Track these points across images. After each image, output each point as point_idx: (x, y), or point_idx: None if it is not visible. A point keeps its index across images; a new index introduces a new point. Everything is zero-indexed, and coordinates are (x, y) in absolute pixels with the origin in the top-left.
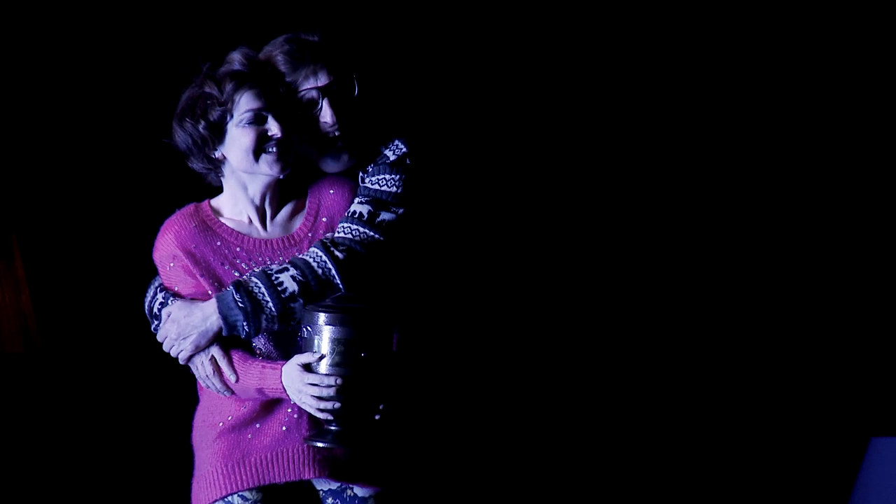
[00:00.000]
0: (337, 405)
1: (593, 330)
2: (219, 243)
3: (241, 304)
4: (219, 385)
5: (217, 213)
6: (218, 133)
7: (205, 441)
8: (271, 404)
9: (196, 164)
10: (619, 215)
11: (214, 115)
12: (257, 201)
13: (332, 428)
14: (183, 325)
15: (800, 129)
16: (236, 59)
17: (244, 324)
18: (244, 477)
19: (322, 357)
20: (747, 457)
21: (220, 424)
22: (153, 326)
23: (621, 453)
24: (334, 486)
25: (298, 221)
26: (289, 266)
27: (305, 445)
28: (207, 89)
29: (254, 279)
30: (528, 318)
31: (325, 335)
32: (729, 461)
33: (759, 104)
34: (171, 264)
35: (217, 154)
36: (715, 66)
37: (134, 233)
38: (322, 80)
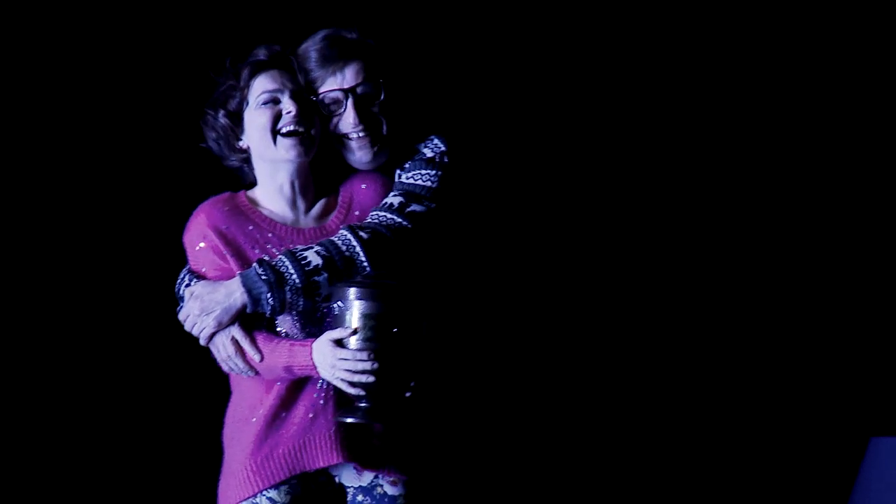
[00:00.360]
0: (369, 379)
1: (601, 324)
2: (251, 227)
3: (264, 277)
4: (241, 365)
5: (252, 202)
6: (237, 121)
7: (235, 437)
8: (297, 392)
9: (230, 162)
10: (643, 214)
11: (233, 103)
12: (287, 192)
13: (363, 404)
14: (206, 301)
15: (799, 128)
16: (259, 52)
17: (268, 296)
18: (273, 470)
19: (354, 332)
20: (747, 457)
21: (253, 420)
22: (179, 309)
23: (620, 453)
24: (364, 482)
25: (331, 216)
26: (314, 244)
27: (333, 432)
28: (228, 82)
29: (279, 256)
30: (553, 319)
31: (356, 310)
32: (729, 461)
33: (773, 107)
34: (201, 244)
35: (242, 144)
36: (735, 69)
37: (144, 233)
38: (348, 82)
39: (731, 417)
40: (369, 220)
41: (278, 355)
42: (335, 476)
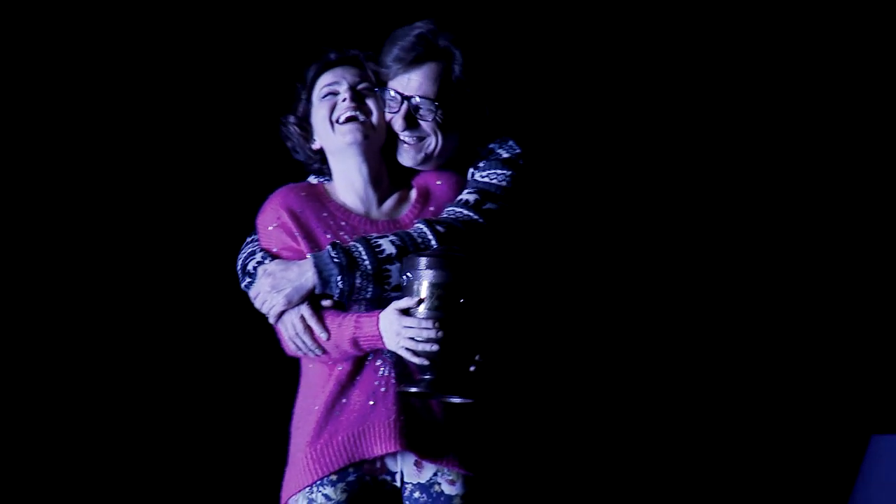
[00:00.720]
0: (433, 348)
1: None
2: (325, 214)
3: (336, 260)
4: (309, 342)
5: (329, 192)
6: (306, 124)
7: (299, 427)
8: (357, 379)
9: (312, 166)
10: (653, 213)
11: (300, 108)
12: (358, 183)
13: (427, 376)
14: (278, 279)
15: (799, 129)
16: (328, 54)
17: (338, 279)
18: (332, 458)
19: (420, 301)
20: (748, 455)
21: (315, 408)
22: (244, 284)
23: (619, 452)
24: (423, 478)
25: (405, 209)
26: (388, 234)
27: (393, 420)
28: (299, 87)
29: (352, 242)
30: (620, 322)
31: (424, 280)
32: (729, 460)
33: (775, 107)
34: (274, 225)
35: (315, 145)
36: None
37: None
38: (410, 89)
39: (732, 416)
40: (444, 215)
41: (345, 328)
42: (394, 473)
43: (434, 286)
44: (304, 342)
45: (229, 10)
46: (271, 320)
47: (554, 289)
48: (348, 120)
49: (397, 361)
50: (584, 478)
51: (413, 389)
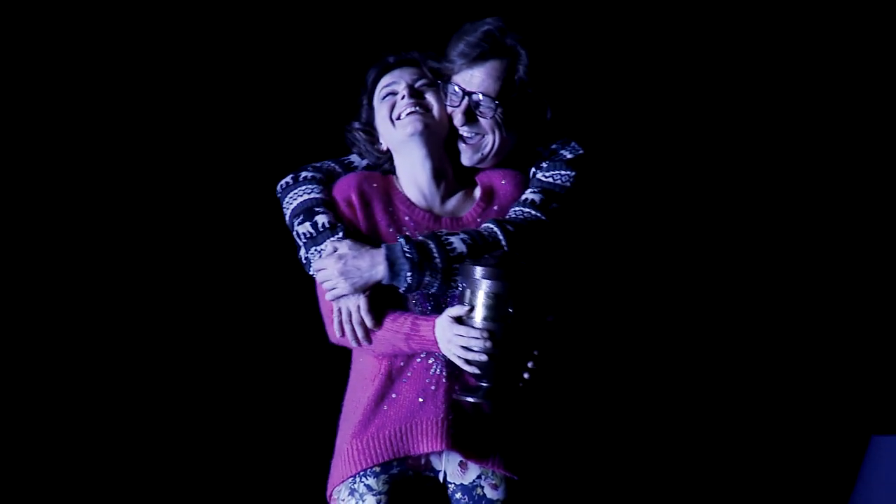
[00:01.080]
0: (482, 358)
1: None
2: (391, 208)
3: (408, 255)
4: (359, 332)
5: (396, 186)
6: (371, 129)
7: (347, 419)
8: (408, 375)
9: (383, 168)
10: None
11: (363, 113)
12: (422, 180)
13: (482, 384)
14: (349, 266)
15: (799, 128)
16: (389, 56)
17: (408, 275)
18: (378, 450)
19: (472, 309)
20: (748, 456)
21: (364, 400)
22: (304, 240)
23: (619, 452)
24: (467, 480)
25: (469, 207)
26: (459, 232)
27: (441, 418)
28: (361, 93)
29: (423, 237)
30: (676, 324)
31: (478, 289)
32: (730, 460)
33: (777, 107)
34: (345, 202)
35: (381, 147)
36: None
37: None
38: (473, 85)
39: (733, 417)
40: (512, 214)
41: (400, 325)
42: (438, 472)
43: (487, 295)
44: (353, 328)
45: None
46: (329, 298)
47: (597, 290)
48: (408, 115)
49: (450, 362)
50: (588, 478)
51: (469, 399)
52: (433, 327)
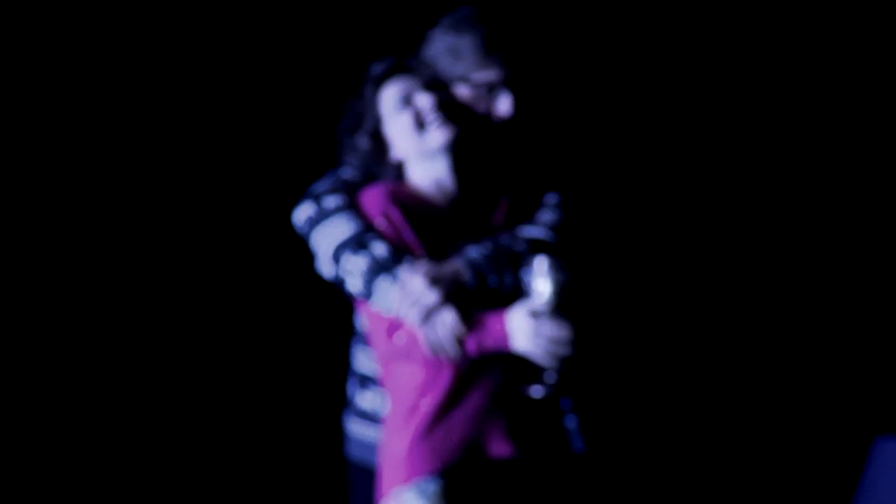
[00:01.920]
0: (566, 351)
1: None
2: (422, 217)
3: (486, 255)
4: (454, 347)
5: (417, 195)
6: (378, 139)
7: (398, 428)
8: (472, 381)
9: (385, 177)
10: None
11: (367, 125)
12: (450, 191)
13: (550, 378)
14: (434, 277)
15: (799, 128)
16: (375, 68)
17: (490, 276)
18: (447, 454)
19: (548, 303)
20: (750, 457)
21: (422, 406)
22: (363, 268)
23: (618, 452)
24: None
25: (494, 215)
26: (509, 235)
27: (509, 423)
28: (353, 106)
29: (487, 240)
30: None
31: (550, 281)
32: (732, 461)
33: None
34: (382, 219)
35: (392, 158)
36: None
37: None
38: (492, 79)
39: (735, 418)
40: (534, 230)
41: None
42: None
43: (565, 289)
44: (448, 346)
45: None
46: (416, 321)
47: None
48: (438, 124)
49: (509, 364)
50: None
51: (539, 394)
52: (503, 323)
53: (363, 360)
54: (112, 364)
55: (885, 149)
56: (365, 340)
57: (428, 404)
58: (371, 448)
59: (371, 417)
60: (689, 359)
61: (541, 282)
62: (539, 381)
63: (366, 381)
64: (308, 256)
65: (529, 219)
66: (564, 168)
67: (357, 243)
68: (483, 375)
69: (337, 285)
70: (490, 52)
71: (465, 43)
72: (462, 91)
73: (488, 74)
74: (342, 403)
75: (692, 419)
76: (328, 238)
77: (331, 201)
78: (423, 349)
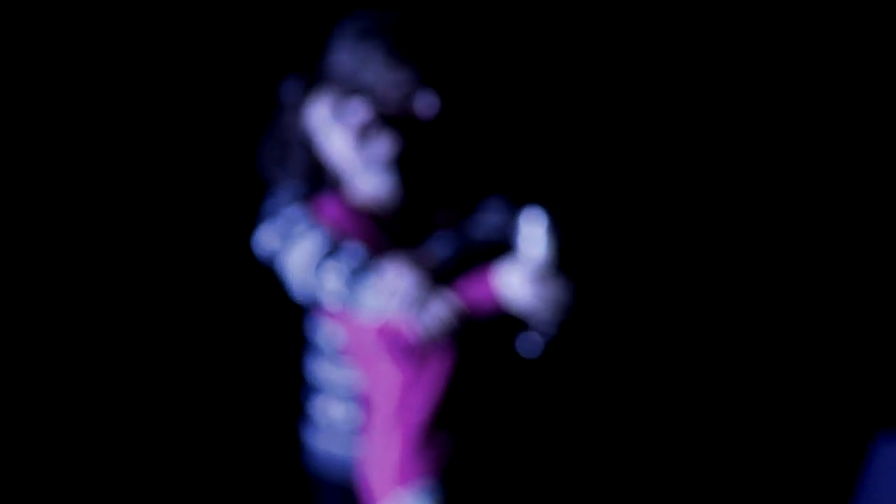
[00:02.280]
0: (562, 307)
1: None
2: (370, 227)
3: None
4: (452, 323)
5: (358, 203)
6: (314, 162)
7: (384, 429)
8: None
9: (318, 189)
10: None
11: (299, 149)
12: (392, 203)
13: (539, 338)
14: (415, 259)
15: (799, 127)
16: (289, 89)
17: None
18: (431, 460)
19: (542, 260)
20: (749, 456)
21: (405, 410)
22: (343, 276)
23: (619, 452)
24: None
25: (438, 216)
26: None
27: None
28: (277, 133)
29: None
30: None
31: (543, 240)
32: (731, 460)
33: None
34: (345, 226)
35: (332, 175)
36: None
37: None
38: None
39: (733, 416)
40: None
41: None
42: None
43: (555, 248)
44: (443, 327)
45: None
46: (408, 308)
47: None
48: (377, 134)
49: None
50: (590, 478)
51: (535, 351)
52: (489, 281)
53: (322, 372)
54: (68, 372)
55: (886, 149)
56: (328, 353)
57: (416, 405)
58: (336, 461)
59: (332, 429)
60: (689, 358)
61: (533, 242)
62: (533, 340)
63: (324, 393)
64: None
65: (474, 221)
66: (507, 167)
67: (332, 252)
68: (442, 357)
69: (313, 303)
70: (400, 54)
71: (373, 48)
72: (383, 97)
73: (401, 77)
74: (296, 417)
75: (691, 418)
76: (301, 255)
77: (292, 220)
78: (413, 343)
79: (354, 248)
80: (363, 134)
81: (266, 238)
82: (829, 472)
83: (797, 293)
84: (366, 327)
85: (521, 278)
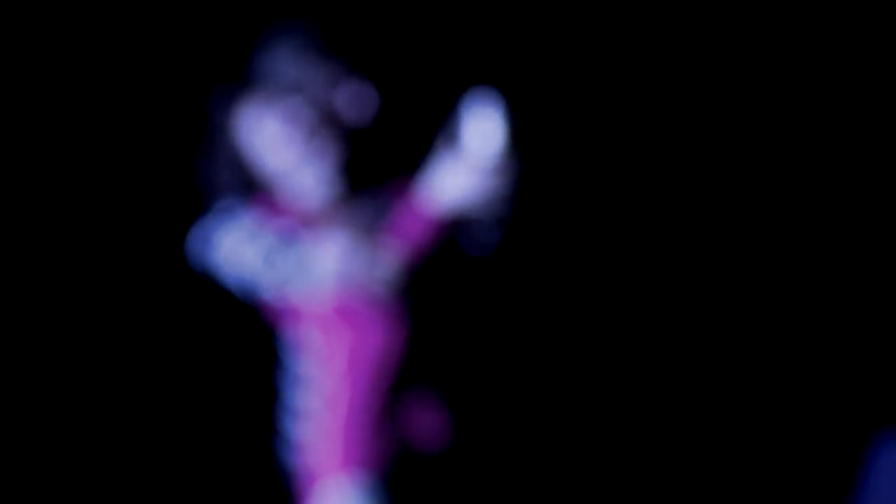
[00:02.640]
0: (508, 203)
1: (598, 327)
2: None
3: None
4: (406, 262)
5: (289, 205)
6: (247, 165)
7: (330, 411)
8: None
9: (248, 191)
10: (640, 212)
11: (233, 153)
12: (328, 188)
13: (488, 234)
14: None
15: (800, 127)
16: (220, 94)
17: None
18: (372, 447)
19: (488, 152)
20: (751, 457)
21: (349, 388)
22: (270, 255)
23: (619, 453)
24: None
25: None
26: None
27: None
28: (214, 141)
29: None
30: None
31: (494, 131)
32: (731, 460)
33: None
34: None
35: (267, 176)
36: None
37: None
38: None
39: (733, 416)
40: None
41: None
42: None
43: (504, 134)
44: (392, 277)
45: None
46: (357, 266)
47: None
48: (316, 132)
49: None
50: (586, 478)
51: (483, 248)
52: (422, 208)
53: (298, 396)
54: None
55: (886, 149)
56: (303, 376)
57: (369, 384)
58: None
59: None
60: (688, 357)
61: (480, 134)
62: (480, 238)
63: (300, 415)
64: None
65: None
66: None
67: (277, 247)
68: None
69: (265, 304)
70: (327, 50)
71: (301, 48)
72: (314, 95)
73: (331, 73)
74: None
75: (690, 418)
76: (248, 258)
77: (230, 227)
78: (367, 310)
79: (290, 237)
80: (297, 134)
81: (206, 245)
82: (829, 472)
83: (797, 293)
84: (318, 309)
85: (461, 176)
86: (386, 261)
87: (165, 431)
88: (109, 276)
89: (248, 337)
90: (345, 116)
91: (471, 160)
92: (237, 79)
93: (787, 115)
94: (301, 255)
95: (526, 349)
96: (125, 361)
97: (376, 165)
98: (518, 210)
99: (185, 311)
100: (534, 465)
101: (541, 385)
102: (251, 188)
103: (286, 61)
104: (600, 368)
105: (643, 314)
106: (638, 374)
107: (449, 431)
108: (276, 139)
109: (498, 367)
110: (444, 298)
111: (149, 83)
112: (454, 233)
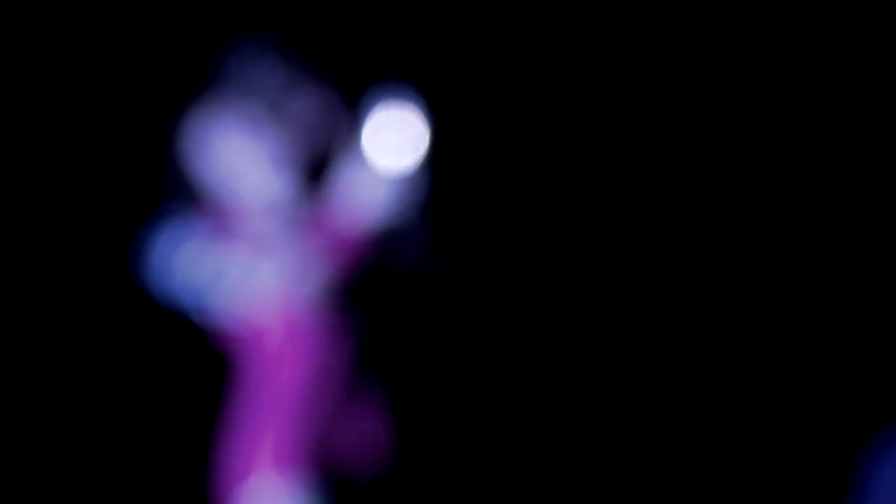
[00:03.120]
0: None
1: (595, 328)
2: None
3: None
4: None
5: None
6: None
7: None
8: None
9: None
10: (640, 211)
11: (198, 166)
12: (288, 192)
13: (413, 243)
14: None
15: (799, 127)
16: (190, 109)
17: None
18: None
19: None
20: (751, 457)
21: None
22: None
23: (620, 453)
24: None
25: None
26: None
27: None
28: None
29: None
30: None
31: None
32: (731, 460)
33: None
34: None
35: (224, 187)
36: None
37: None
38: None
39: (733, 416)
40: None
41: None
42: None
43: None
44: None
45: None
46: (295, 281)
47: None
48: (267, 141)
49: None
50: (583, 478)
51: (408, 260)
52: (344, 223)
53: None
54: None
55: (886, 149)
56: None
57: (297, 394)
58: None
59: None
60: (688, 357)
61: (391, 146)
62: (405, 249)
63: None
64: None
65: None
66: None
67: (223, 259)
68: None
69: (209, 315)
70: (287, 53)
71: (258, 54)
72: (279, 101)
73: (286, 78)
74: None
75: (690, 418)
76: (201, 277)
77: (180, 237)
78: (309, 320)
79: (235, 249)
80: (254, 144)
81: (152, 255)
82: (830, 472)
83: (797, 293)
84: (261, 320)
85: (375, 187)
86: (322, 273)
87: (102, 435)
88: (50, 283)
89: (191, 345)
90: (302, 121)
91: (383, 171)
92: (195, 86)
93: (786, 114)
94: (245, 267)
95: (465, 354)
96: (65, 367)
97: (324, 169)
98: (437, 220)
99: (127, 320)
100: (479, 468)
101: (480, 389)
102: (201, 198)
103: (246, 68)
104: (539, 375)
105: (643, 315)
106: (638, 374)
107: (390, 437)
108: (231, 148)
109: (437, 372)
110: (382, 308)
111: (106, 91)
112: (381, 244)
